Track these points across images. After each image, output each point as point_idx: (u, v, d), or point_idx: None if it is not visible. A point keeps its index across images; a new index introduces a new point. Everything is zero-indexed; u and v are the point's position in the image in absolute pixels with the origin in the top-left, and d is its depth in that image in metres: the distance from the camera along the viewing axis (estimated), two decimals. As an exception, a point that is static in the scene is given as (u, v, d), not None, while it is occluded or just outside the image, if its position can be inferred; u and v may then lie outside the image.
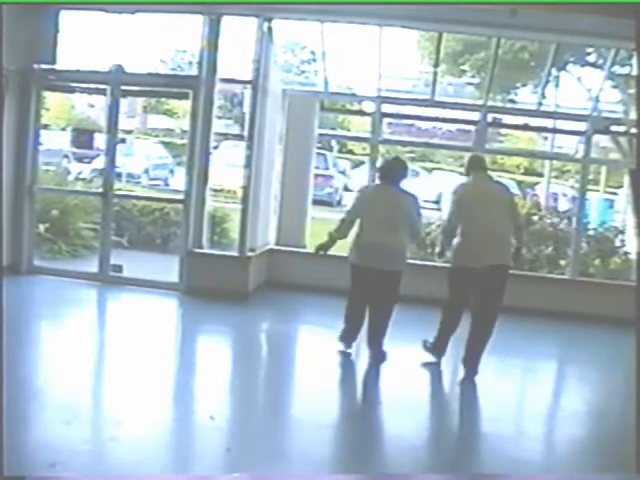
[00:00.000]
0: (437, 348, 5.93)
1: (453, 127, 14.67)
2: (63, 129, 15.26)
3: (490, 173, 6.20)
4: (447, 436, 4.83)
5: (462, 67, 12.85)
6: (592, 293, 8.21)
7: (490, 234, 5.62)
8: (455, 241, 5.79)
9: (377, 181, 6.17)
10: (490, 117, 8.83)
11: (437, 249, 6.29)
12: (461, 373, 5.77)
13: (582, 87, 11.21)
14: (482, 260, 5.58)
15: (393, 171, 5.92)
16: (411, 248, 9.28)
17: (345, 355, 6.09)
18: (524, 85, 12.14)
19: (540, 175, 17.73)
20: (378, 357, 5.87)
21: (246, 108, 8.10)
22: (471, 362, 5.71)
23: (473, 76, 12.71)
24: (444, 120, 10.38)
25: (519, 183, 18.71)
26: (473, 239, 5.66)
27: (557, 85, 10.43)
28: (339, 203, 16.94)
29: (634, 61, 8.29)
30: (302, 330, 7.57)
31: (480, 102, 8.77)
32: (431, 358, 5.96)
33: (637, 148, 7.99)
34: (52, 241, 9.08)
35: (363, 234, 5.78)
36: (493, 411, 5.21)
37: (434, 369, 5.93)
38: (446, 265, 6.12)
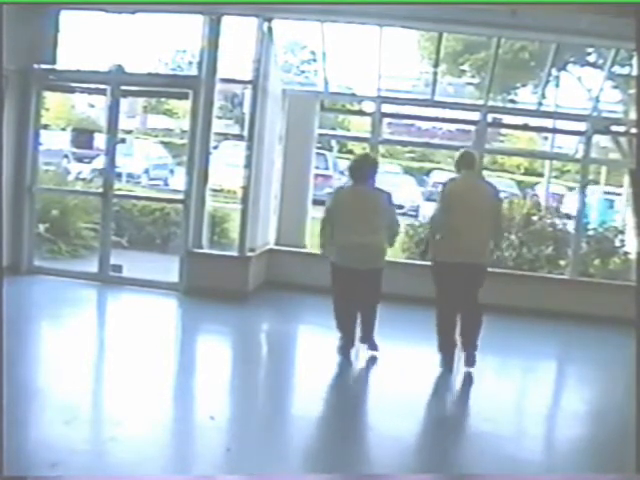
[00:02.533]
0: (440, 350, 5.87)
1: (453, 127, 14.70)
2: (63, 129, 15.26)
3: (488, 172, 6.18)
4: (446, 436, 4.82)
5: (462, 67, 12.85)
6: (592, 293, 8.20)
7: (471, 233, 5.68)
8: (437, 236, 5.86)
9: (349, 181, 6.07)
10: (490, 117, 8.82)
11: (421, 247, 6.28)
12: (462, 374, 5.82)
13: (582, 87, 11.21)
14: (459, 257, 5.67)
15: (362, 169, 5.88)
16: (410, 247, 9.35)
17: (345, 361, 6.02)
18: (524, 85, 12.14)
19: (540, 175, 17.73)
20: (372, 347, 6.03)
21: (246, 108, 8.10)
22: (465, 358, 5.83)
23: (473, 76, 12.71)
24: (444, 120, 10.39)
25: (519, 183, 18.74)
26: (454, 235, 5.71)
27: (557, 85, 10.43)
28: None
29: (634, 61, 8.29)
30: (302, 330, 7.58)
31: (480, 102, 8.77)
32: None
33: (637, 148, 7.98)
34: (52, 241, 9.08)
35: (340, 236, 5.78)
36: (492, 411, 5.20)
37: (438, 369, 5.94)
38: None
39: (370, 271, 5.79)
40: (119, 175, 10.77)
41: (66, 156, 14.63)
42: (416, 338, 6.89)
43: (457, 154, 6.09)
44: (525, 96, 11.62)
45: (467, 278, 5.74)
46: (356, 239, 5.68)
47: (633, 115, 8.40)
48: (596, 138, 9.24)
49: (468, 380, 5.74)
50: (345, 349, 5.94)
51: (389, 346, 6.27)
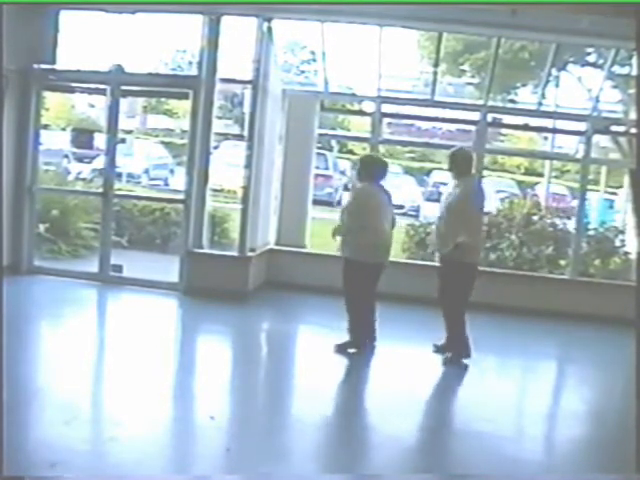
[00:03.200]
0: (465, 351, 5.98)
1: (453, 127, 14.68)
2: (63, 129, 15.25)
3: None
4: (446, 436, 4.83)
5: (462, 67, 12.83)
6: (592, 293, 8.21)
7: (481, 235, 6.15)
8: (459, 238, 5.85)
9: (362, 180, 6.17)
10: (490, 117, 8.83)
11: (451, 246, 6.22)
12: (466, 374, 5.85)
13: (582, 87, 11.20)
14: (478, 258, 6.03)
15: (377, 170, 6.13)
16: (410, 247, 9.38)
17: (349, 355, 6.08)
18: (524, 85, 12.12)
19: (540, 175, 17.73)
20: (373, 346, 6.16)
21: (246, 108, 8.10)
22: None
23: (473, 76, 12.69)
24: (444, 120, 10.39)
25: (519, 183, 18.74)
26: (477, 237, 5.95)
27: (557, 85, 10.42)
28: (339, 203, 16.93)
29: (634, 61, 8.29)
30: (302, 330, 7.57)
31: (480, 102, 8.77)
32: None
33: (637, 148, 7.99)
34: (52, 241, 9.08)
35: (357, 232, 5.91)
36: (493, 411, 5.20)
37: (438, 369, 5.95)
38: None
39: (379, 265, 6.02)
40: (119, 175, 10.77)
41: (66, 156, 14.63)
42: (416, 338, 6.89)
43: (456, 155, 6.09)
44: (525, 96, 11.60)
45: (475, 278, 5.99)
46: (372, 235, 5.90)
47: (633, 115, 8.40)
48: (596, 138, 9.23)
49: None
50: (348, 347, 6.03)
51: (389, 346, 6.28)
